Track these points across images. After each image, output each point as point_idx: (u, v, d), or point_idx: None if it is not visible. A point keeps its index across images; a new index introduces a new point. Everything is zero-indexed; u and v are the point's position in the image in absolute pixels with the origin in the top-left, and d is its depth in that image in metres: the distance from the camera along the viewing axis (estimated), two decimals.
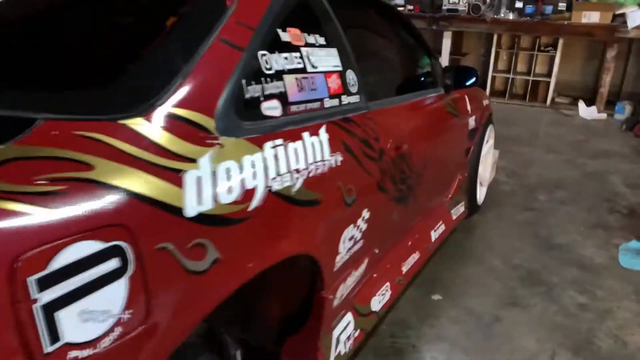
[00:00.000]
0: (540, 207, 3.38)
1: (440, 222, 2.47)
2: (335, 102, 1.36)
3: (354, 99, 1.46)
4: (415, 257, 2.10)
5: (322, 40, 1.36)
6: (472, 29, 6.24)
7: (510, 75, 6.15)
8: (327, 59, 1.36)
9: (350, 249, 1.41)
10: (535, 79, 6.14)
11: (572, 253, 2.80)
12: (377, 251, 1.64)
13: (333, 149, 1.26)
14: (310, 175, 1.16)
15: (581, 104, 5.86)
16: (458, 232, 2.97)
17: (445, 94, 2.30)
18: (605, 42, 5.76)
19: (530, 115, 5.69)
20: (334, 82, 1.37)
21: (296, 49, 1.24)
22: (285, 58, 1.18)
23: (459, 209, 2.78)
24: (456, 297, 2.33)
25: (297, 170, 1.12)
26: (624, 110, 5.58)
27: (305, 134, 1.17)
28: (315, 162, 1.18)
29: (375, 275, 1.75)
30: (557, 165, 4.18)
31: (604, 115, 5.68)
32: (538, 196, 3.56)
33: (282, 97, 1.14)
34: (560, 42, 5.89)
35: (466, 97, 2.61)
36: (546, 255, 2.76)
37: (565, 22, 5.70)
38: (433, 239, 2.34)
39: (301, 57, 1.25)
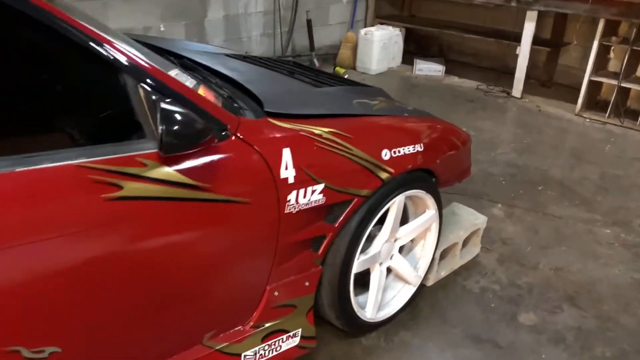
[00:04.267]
0: (509, 344, 1.98)
1: None
2: None
3: None
4: None
5: None
6: (566, 9, 4.45)
7: (617, 82, 4.28)
8: None
9: None
10: None
11: None
12: None
13: None
14: None
15: None
16: None
17: (168, 152, 1.14)
18: None
19: (628, 150, 3.88)
20: None
21: None
22: None
23: (281, 344, 1.61)
24: None
25: None
26: None
27: None
28: None
29: None
30: (605, 254, 2.59)
31: None
32: (521, 315, 2.13)
33: None
34: None
35: (286, 150, 1.42)
36: None
37: None
38: None
39: None
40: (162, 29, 4.31)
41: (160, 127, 1.06)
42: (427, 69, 5.70)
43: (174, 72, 1.43)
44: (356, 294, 1.95)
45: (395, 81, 5.49)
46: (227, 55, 2.48)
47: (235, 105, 1.54)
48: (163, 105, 1.07)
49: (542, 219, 2.87)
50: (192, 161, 1.22)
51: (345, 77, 5.40)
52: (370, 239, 1.87)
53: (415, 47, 6.27)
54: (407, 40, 6.00)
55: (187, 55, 2.06)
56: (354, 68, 5.71)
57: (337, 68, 5.58)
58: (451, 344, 1.96)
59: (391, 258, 1.97)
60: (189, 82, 1.42)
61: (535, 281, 2.35)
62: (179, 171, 1.19)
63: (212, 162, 1.26)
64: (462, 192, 2.98)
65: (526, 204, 3.01)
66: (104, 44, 1.11)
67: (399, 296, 2.07)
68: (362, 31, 5.58)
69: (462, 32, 5.56)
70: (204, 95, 1.38)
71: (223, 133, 1.28)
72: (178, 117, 1.08)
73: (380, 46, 5.52)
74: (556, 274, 2.41)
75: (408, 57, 5.90)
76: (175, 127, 1.07)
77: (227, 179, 1.28)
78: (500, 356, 1.92)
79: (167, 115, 1.07)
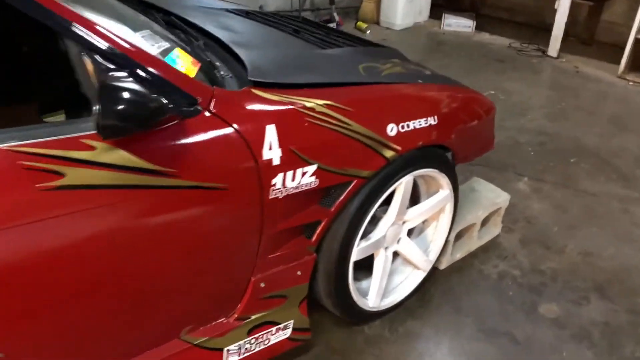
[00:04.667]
0: (526, 339, 1.81)
1: None
2: None
3: None
4: None
5: None
6: None
7: None
8: None
9: None
10: None
11: None
12: None
13: None
14: None
15: None
16: None
17: (108, 136, 0.96)
18: None
19: None
20: None
21: None
22: None
23: (270, 337, 1.48)
24: None
25: None
26: None
27: None
28: None
29: None
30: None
31: None
32: (543, 306, 1.95)
33: None
34: None
35: (271, 127, 1.23)
36: None
37: None
38: None
39: None
40: None
41: (96, 106, 0.87)
42: (456, 24, 5.32)
43: (142, 34, 1.25)
44: (359, 279, 1.80)
45: (421, 37, 5.15)
46: (228, 10, 2.26)
47: (219, 73, 1.36)
48: (104, 78, 0.89)
49: (572, 195, 2.63)
50: (154, 142, 1.04)
51: (368, 32, 5.09)
52: (376, 220, 1.70)
53: (445, 0, 5.86)
54: None
55: (179, 12, 1.86)
56: (377, 23, 5.37)
57: (359, 23, 5.25)
58: (462, 336, 1.80)
59: (398, 242, 1.80)
60: (157, 45, 1.23)
61: (560, 267, 2.14)
62: (137, 154, 1.02)
63: (178, 143, 1.08)
64: (485, 164, 2.75)
65: (556, 177, 2.76)
66: (40, 4, 0.92)
67: (407, 281, 1.90)
68: None
69: None
70: (173, 62, 1.19)
71: (192, 108, 1.10)
72: (124, 94, 0.89)
73: None
74: (585, 259, 2.19)
75: (437, 11, 5.53)
76: (119, 107, 0.88)
77: (196, 161, 1.11)
78: (516, 352, 1.75)
79: (109, 92, 0.89)
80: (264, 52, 1.62)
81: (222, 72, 1.38)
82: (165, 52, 1.24)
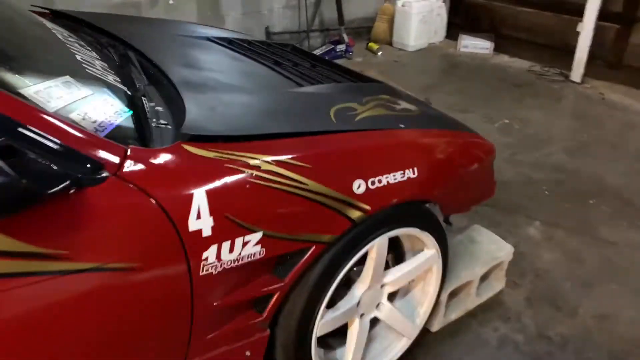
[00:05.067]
0: None
1: None
2: None
3: None
4: None
5: None
6: None
7: None
8: None
9: None
10: None
11: None
12: None
13: None
14: None
15: None
16: None
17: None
18: None
19: None
20: None
21: None
22: None
23: None
24: None
25: None
26: None
27: None
28: None
29: None
30: None
31: None
32: None
33: None
34: None
35: (200, 192, 1.05)
36: None
37: None
38: None
39: None
40: (170, 2, 3.98)
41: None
42: (473, 45, 5.09)
43: (56, 82, 1.08)
44: (333, 346, 1.59)
45: (434, 59, 4.94)
46: (210, 39, 2.11)
47: (154, 123, 1.18)
48: None
49: (590, 244, 2.36)
50: (41, 218, 0.86)
51: (379, 54, 4.91)
52: (350, 283, 1.49)
53: (463, 20, 5.62)
54: (455, 12, 5.39)
55: (144, 45, 1.71)
56: (390, 43, 5.19)
57: (371, 44, 5.08)
58: None
59: (378, 307, 1.58)
60: (76, 93, 1.07)
61: (571, 333, 1.88)
62: (17, 236, 0.84)
63: (74, 217, 0.90)
64: (492, 204, 2.50)
65: (572, 222, 2.50)
66: None
67: (391, 349, 1.68)
68: (400, 2, 5.03)
69: (515, 5, 4.90)
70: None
71: (95, 175, 0.92)
72: None
73: (419, 19, 4.96)
74: (600, 324, 1.92)
75: (455, 30, 5.31)
76: None
77: (97, 239, 0.92)
78: None
79: None
80: (218, 94, 1.44)
81: (160, 122, 1.20)
82: (81, 102, 1.07)
